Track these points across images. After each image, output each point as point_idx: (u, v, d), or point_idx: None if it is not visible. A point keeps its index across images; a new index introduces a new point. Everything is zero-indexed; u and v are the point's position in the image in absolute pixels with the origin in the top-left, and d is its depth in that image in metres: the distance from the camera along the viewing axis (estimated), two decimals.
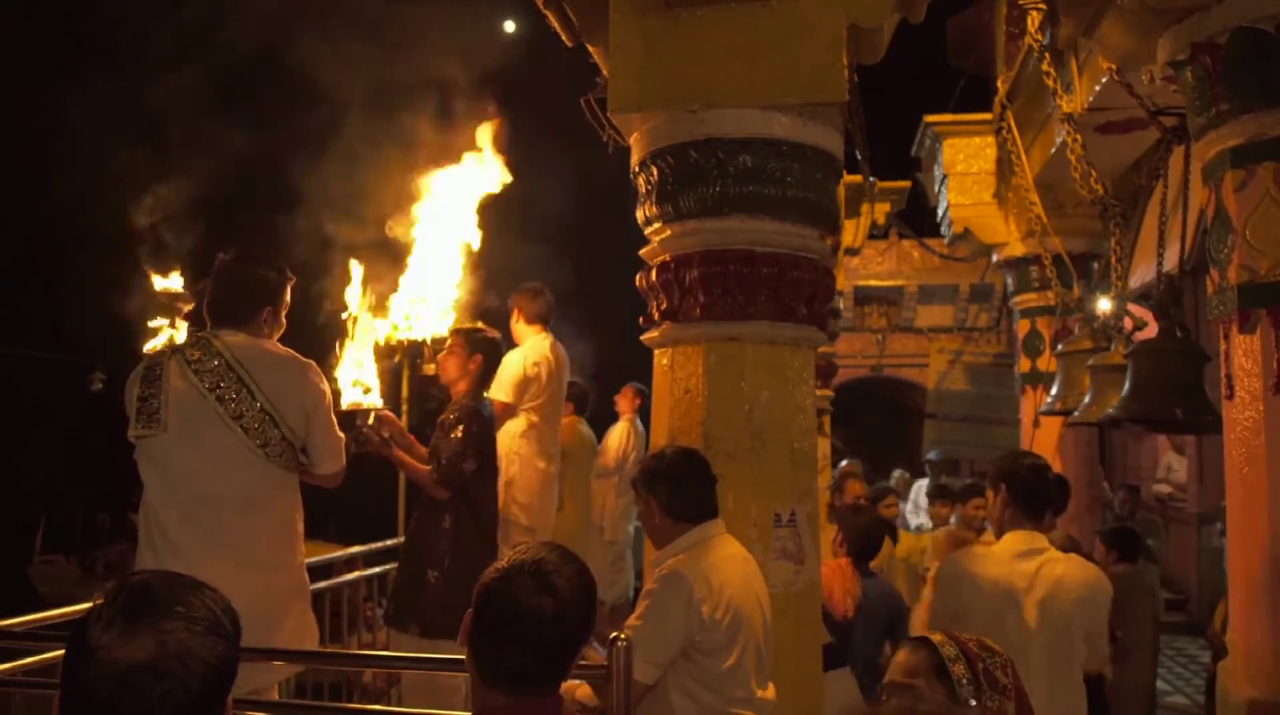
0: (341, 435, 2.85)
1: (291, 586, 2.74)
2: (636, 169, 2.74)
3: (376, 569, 4.70)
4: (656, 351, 2.76)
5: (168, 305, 3.09)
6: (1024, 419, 7.01)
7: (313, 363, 2.77)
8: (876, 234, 9.81)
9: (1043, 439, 6.32)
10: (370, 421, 3.38)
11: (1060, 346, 5.54)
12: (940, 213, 7.28)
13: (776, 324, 2.58)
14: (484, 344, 3.73)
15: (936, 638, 1.55)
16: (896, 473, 10.56)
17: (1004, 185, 6.63)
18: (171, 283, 3.15)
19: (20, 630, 2.74)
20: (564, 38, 2.96)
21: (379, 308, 3.83)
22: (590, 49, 2.98)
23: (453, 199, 4.08)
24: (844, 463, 7.96)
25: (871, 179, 6.88)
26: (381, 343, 3.80)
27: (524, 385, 4.37)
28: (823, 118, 2.60)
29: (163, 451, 2.58)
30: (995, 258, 7.15)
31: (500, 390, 4.24)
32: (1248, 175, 2.79)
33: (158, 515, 2.57)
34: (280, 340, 2.82)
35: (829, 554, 4.09)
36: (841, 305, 8.79)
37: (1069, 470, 6.11)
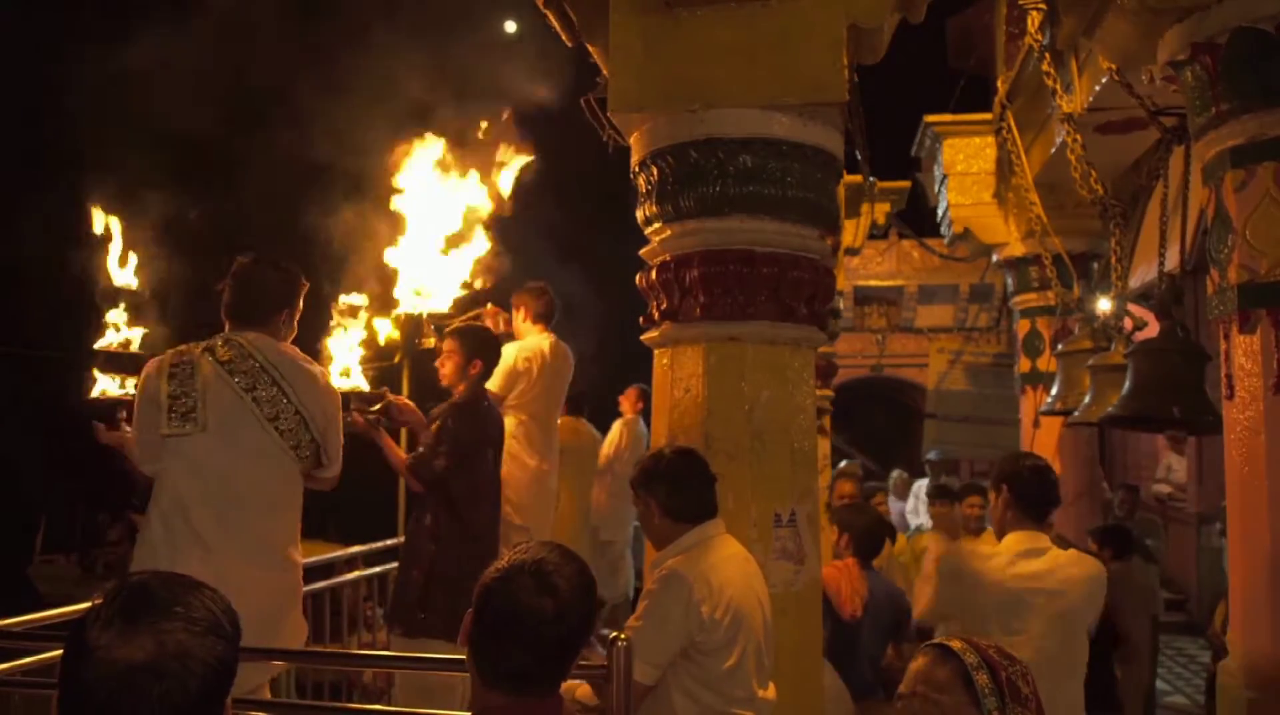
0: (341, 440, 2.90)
1: (295, 585, 2.80)
2: (636, 169, 2.74)
3: (376, 569, 4.70)
4: (656, 351, 2.76)
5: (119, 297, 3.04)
6: (1024, 419, 7.00)
7: (323, 368, 2.86)
8: (876, 234, 9.81)
9: (1043, 439, 6.32)
10: (376, 407, 3.41)
11: (1060, 346, 5.54)
12: (940, 213, 7.28)
13: (777, 324, 2.58)
14: (483, 347, 3.70)
15: (957, 645, 1.51)
16: (895, 473, 10.56)
17: (1004, 185, 6.63)
18: (126, 277, 3.10)
19: (19, 630, 2.74)
20: (564, 38, 2.96)
21: (378, 292, 3.84)
22: (590, 49, 2.98)
23: (461, 175, 4.10)
24: (843, 463, 7.96)
25: (871, 179, 6.88)
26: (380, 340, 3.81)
27: (513, 377, 4.36)
28: (823, 118, 2.60)
29: (200, 451, 2.59)
30: (995, 258, 7.15)
31: (491, 380, 4.25)
32: (1248, 175, 2.79)
33: (188, 513, 2.57)
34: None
35: (830, 555, 4.10)
36: (841, 305, 8.79)
37: (1069, 470, 6.11)
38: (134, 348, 3.10)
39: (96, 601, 1.08)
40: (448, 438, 3.48)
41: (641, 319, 2.80)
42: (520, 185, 4.27)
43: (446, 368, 3.67)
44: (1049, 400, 5.52)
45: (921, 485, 9.12)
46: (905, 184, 8.12)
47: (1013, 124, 5.84)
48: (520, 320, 4.61)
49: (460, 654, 1.55)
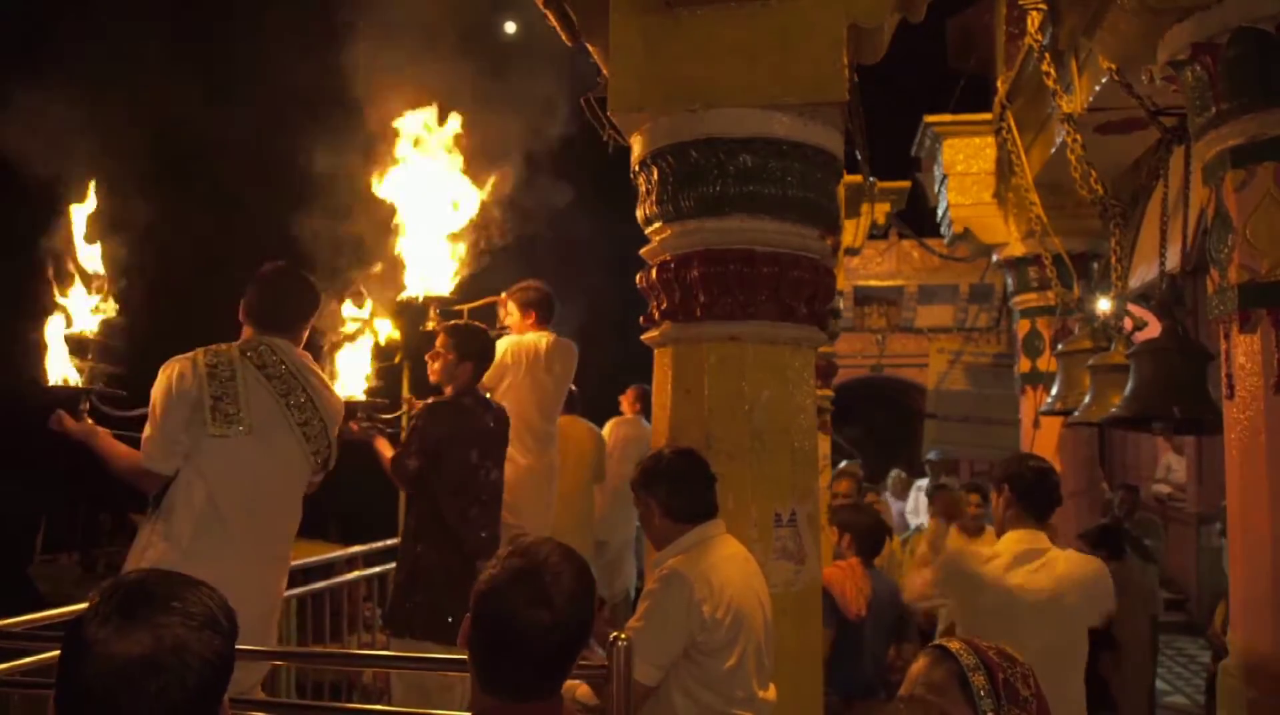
0: None
1: (284, 585, 2.88)
2: (637, 169, 2.74)
3: (376, 569, 4.70)
4: (657, 351, 2.76)
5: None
6: (1024, 419, 7.00)
7: None
8: (876, 234, 9.81)
9: (1043, 439, 6.32)
10: (361, 414, 3.42)
11: (1060, 346, 5.54)
12: (940, 213, 7.28)
13: (777, 324, 2.58)
14: (475, 349, 3.68)
15: (955, 646, 1.50)
16: (894, 472, 10.56)
17: (1004, 185, 6.63)
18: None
19: (19, 630, 2.74)
20: (564, 37, 2.96)
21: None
22: (590, 48, 2.98)
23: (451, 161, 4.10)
24: (844, 463, 7.96)
25: (871, 179, 6.88)
26: (382, 343, 3.80)
27: (500, 371, 4.34)
28: (823, 117, 2.60)
29: (238, 453, 2.61)
30: (995, 258, 7.15)
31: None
32: (1248, 175, 2.79)
33: (223, 516, 2.58)
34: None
35: (829, 555, 4.10)
36: (841, 305, 8.79)
37: (1069, 470, 6.11)
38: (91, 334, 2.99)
39: (93, 598, 1.08)
40: (417, 437, 3.49)
41: (642, 319, 2.79)
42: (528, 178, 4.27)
43: (436, 366, 3.68)
44: (1049, 400, 5.52)
45: (921, 485, 9.12)
46: (905, 184, 8.12)
47: (1013, 124, 5.84)
48: (518, 318, 4.61)
49: (456, 653, 1.54)
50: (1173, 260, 4.61)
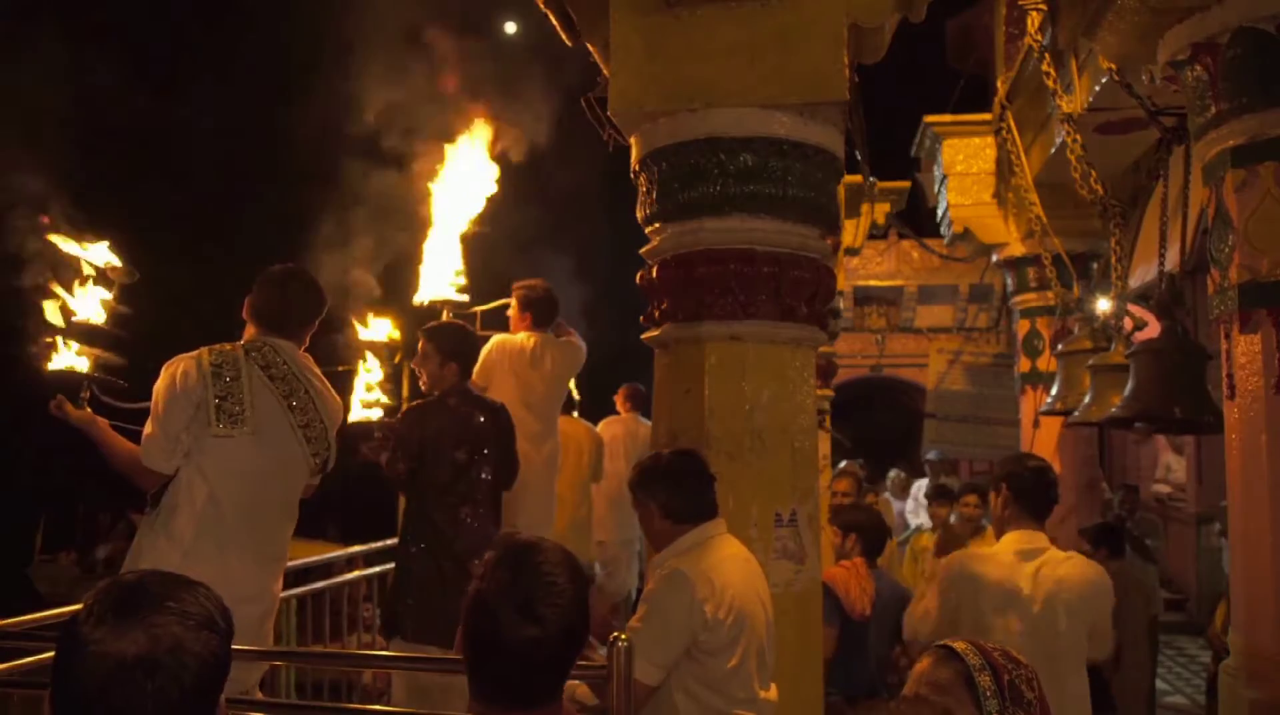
0: None
1: (280, 587, 2.89)
2: (637, 168, 2.74)
3: (376, 569, 4.69)
4: (657, 351, 2.76)
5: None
6: (1024, 419, 7.01)
7: None
8: (876, 234, 9.81)
9: (1043, 439, 6.32)
10: (378, 434, 3.43)
11: (1060, 346, 5.54)
12: (940, 213, 7.28)
13: (777, 323, 2.57)
14: (457, 348, 3.67)
15: (960, 646, 1.49)
16: (893, 472, 10.55)
17: (1004, 185, 6.63)
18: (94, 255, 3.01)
19: (17, 630, 2.74)
20: (564, 37, 2.96)
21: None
22: (590, 48, 2.97)
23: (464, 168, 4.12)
24: (844, 463, 7.96)
25: (871, 179, 6.87)
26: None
27: (485, 371, 4.34)
28: (823, 117, 2.60)
29: (239, 453, 2.61)
30: (995, 258, 7.15)
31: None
32: (1248, 175, 2.79)
33: (223, 515, 2.58)
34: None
35: (829, 554, 4.10)
36: (841, 305, 8.79)
37: (1069, 470, 6.11)
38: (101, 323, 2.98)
39: (89, 598, 1.08)
40: (399, 442, 3.49)
41: (642, 318, 2.79)
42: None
43: (423, 372, 3.67)
44: (1049, 400, 5.52)
45: (921, 485, 9.11)
46: (905, 184, 8.12)
47: (1013, 124, 5.84)
48: (517, 315, 4.60)
49: (454, 653, 1.53)
50: (1172, 260, 4.61)
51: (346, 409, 3.17)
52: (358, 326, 3.64)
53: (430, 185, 4.22)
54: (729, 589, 2.24)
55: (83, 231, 2.86)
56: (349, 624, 4.45)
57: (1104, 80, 4.15)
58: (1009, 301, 7.31)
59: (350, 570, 4.60)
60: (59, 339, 2.79)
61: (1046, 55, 4.58)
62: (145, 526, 2.65)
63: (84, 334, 2.80)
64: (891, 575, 4.85)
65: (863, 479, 6.83)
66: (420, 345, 3.67)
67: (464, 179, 4.21)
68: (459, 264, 4.20)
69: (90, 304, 2.84)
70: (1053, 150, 5.28)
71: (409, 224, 4.14)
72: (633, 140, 2.76)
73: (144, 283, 2.93)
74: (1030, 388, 6.74)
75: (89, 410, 2.72)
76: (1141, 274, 5.83)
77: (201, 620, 1.07)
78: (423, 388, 3.71)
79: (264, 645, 2.67)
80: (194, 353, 2.66)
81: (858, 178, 6.51)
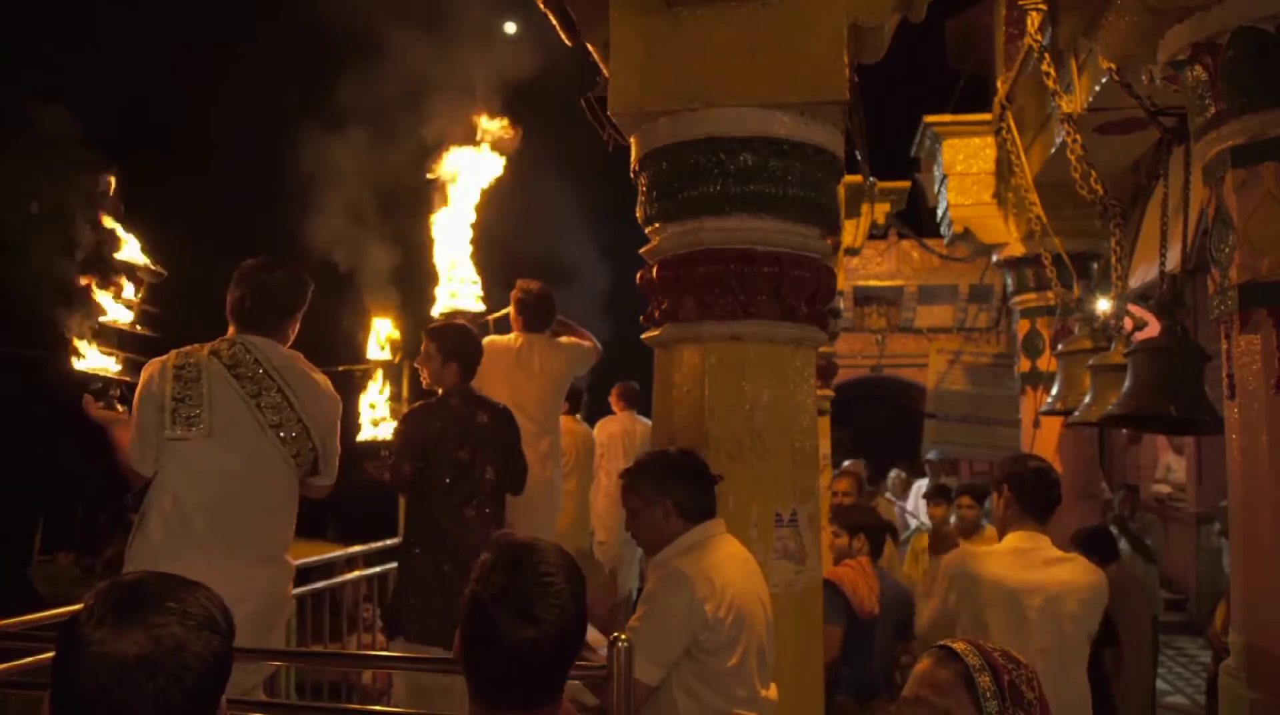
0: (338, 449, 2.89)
1: (287, 589, 2.81)
2: (637, 168, 2.74)
3: (376, 569, 4.70)
4: (657, 351, 2.76)
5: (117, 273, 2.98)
6: (1024, 419, 7.00)
7: (326, 377, 2.82)
8: (876, 234, 9.80)
9: (1043, 439, 6.32)
10: (385, 452, 3.43)
11: (1060, 346, 5.54)
12: (940, 213, 7.28)
13: (777, 323, 2.57)
14: (457, 347, 3.67)
15: (960, 647, 1.49)
16: (893, 472, 10.55)
17: (1004, 185, 6.63)
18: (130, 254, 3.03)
19: (16, 630, 2.74)
20: (564, 37, 2.96)
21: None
22: (590, 48, 2.97)
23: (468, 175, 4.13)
24: (847, 463, 7.95)
25: (871, 179, 6.87)
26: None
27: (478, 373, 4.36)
28: (823, 116, 2.60)
29: (200, 455, 2.57)
30: (995, 258, 7.15)
31: None
32: (1249, 175, 2.78)
33: (187, 518, 2.55)
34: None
35: (829, 554, 4.10)
36: (841, 305, 8.78)
37: (1069, 470, 6.10)
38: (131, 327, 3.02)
39: (89, 599, 1.07)
40: (404, 443, 3.50)
41: (642, 318, 2.79)
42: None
43: (425, 371, 3.68)
44: (1049, 400, 5.52)
45: (921, 485, 9.11)
46: (905, 184, 8.11)
47: (1012, 124, 5.84)
48: (513, 316, 4.61)
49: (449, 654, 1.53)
50: (1173, 260, 4.61)
51: (356, 428, 3.15)
52: (367, 344, 3.65)
53: (444, 192, 4.22)
54: (729, 588, 2.24)
55: (115, 230, 2.88)
56: (349, 624, 4.45)
57: (1104, 80, 4.15)
58: (1009, 301, 7.31)
59: (350, 570, 4.59)
60: (85, 340, 2.82)
61: (1046, 55, 4.58)
62: (133, 528, 2.67)
63: (112, 335, 2.84)
64: (892, 575, 4.85)
65: (863, 479, 6.83)
66: (423, 345, 3.69)
67: (475, 182, 4.22)
68: (474, 274, 4.21)
69: (119, 305, 2.87)
70: (1053, 150, 5.28)
71: (422, 229, 4.14)
72: (633, 140, 2.76)
73: (175, 282, 2.94)
74: (1030, 388, 6.74)
75: (120, 409, 2.76)
76: (1141, 274, 5.83)
77: (202, 621, 1.07)
78: (426, 386, 3.72)
79: (263, 646, 2.65)
80: (166, 355, 2.66)
81: (858, 178, 6.51)
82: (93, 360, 2.86)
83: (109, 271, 2.87)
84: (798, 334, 2.63)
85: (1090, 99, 4.52)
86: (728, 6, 2.53)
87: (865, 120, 5.00)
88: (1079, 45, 4.49)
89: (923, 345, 13.51)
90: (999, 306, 12.03)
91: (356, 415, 3.39)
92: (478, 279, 4.23)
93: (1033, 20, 4.67)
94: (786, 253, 2.57)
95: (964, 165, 6.78)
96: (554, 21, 2.89)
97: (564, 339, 4.61)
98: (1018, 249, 6.66)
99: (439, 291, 4.14)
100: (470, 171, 4.24)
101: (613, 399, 6.67)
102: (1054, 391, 5.43)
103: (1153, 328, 4.42)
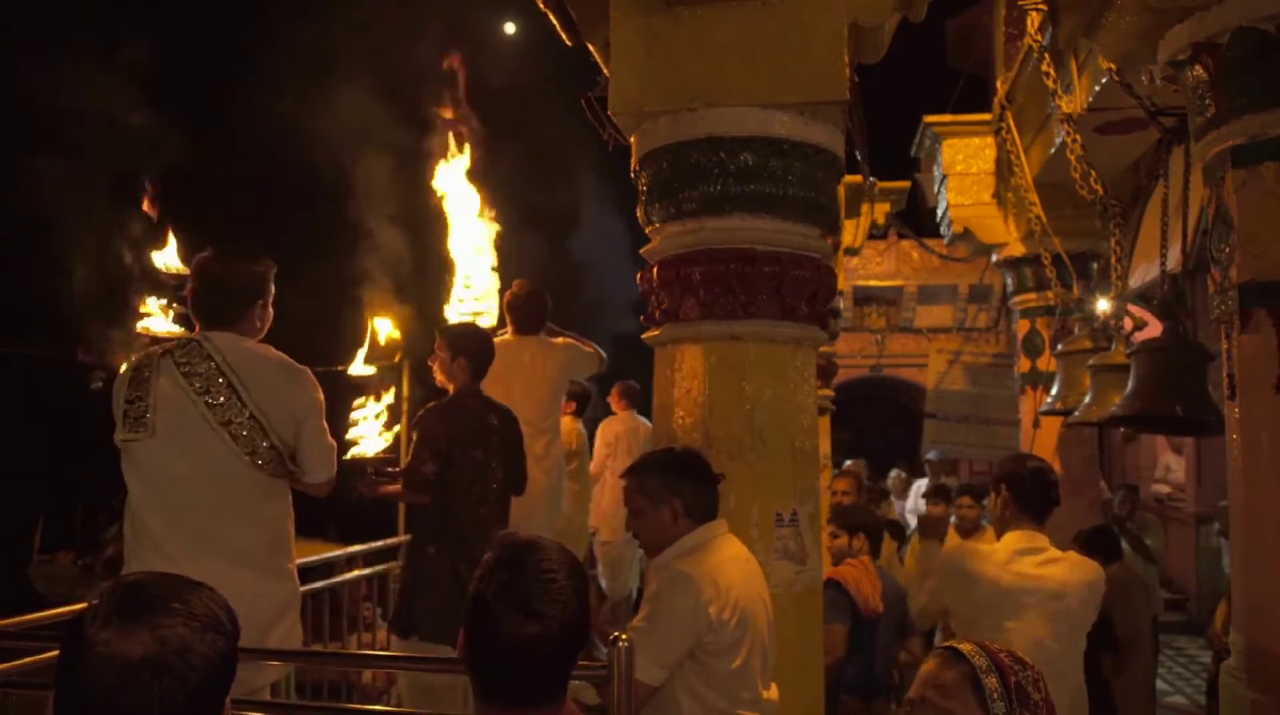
0: (333, 443, 2.77)
1: (284, 595, 2.68)
2: (637, 168, 2.74)
3: (376, 568, 4.69)
4: (657, 350, 2.76)
5: (165, 286, 2.97)
6: (1024, 419, 7.00)
7: (306, 369, 2.67)
8: (876, 234, 9.80)
9: (1043, 439, 6.32)
10: (371, 471, 3.40)
11: (1060, 346, 5.54)
12: (940, 213, 7.28)
13: (778, 323, 2.57)
14: (466, 344, 3.68)
15: (967, 648, 1.49)
16: (894, 472, 10.55)
17: (1003, 185, 6.63)
18: (169, 259, 3.02)
19: (16, 630, 2.73)
20: (564, 37, 2.96)
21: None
22: (590, 48, 2.98)
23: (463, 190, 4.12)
24: (848, 463, 7.96)
25: (871, 179, 6.87)
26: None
27: None
28: (824, 116, 2.60)
29: (149, 456, 2.51)
30: (995, 258, 7.15)
31: None
32: (1249, 175, 2.78)
33: (144, 522, 2.51)
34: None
35: (832, 556, 4.10)
36: (841, 305, 8.78)
37: (1069, 470, 6.10)
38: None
39: (93, 600, 1.07)
40: (425, 443, 3.48)
41: (642, 318, 2.79)
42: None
43: (436, 367, 3.69)
44: (1049, 400, 5.52)
45: (921, 485, 9.11)
46: (905, 184, 8.11)
47: (1012, 124, 5.84)
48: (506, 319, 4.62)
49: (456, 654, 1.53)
50: (1173, 260, 4.61)
51: (344, 446, 3.09)
52: (353, 363, 3.62)
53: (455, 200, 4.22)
54: (733, 590, 2.23)
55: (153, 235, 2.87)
56: (349, 624, 4.45)
57: (1104, 80, 4.15)
58: (1009, 301, 7.31)
59: (350, 570, 4.59)
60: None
61: (1046, 55, 4.58)
62: None
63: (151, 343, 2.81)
64: (892, 575, 4.85)
65: (864, 479, 6.83)
66: (436, 343, 3.71)
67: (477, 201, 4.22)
68: (489, 282, 4.22)
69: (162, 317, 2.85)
70: (1052, 150, 5.28)
71: (433, 233, 4.14)
72: (633, 140, 2.76)
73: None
74: (1030, 388, 6.73)
75: None
76: (1141, 274, 5.83)
77: (207, 622, 1.07)
78: (438, 382, 3.72)
79: (261, 645, 2.61)
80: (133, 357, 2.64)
81: (858, 178, 6.51)
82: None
83: (154, 281, 2.86)
84: (798, 334, 2.63)
85: (1090, 99, 4.51)
86: (728, 6, 2.53)
87: (865, 120, 5.01)
88: (1079, 45, 4.49)
89: (922, 345, 13.51)
90: (999, 306, 12.03)
91: (345, 429, 3.35)
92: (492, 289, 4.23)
93: (1033, 20, 4.67)
94: (787, 252, 2.57)
95: (964, 165, 6.78)
96: (554, 21, 2.90)
97: (559, 340, 4.60)
98: (1017, 249, 6.66)
99: (452, 292, 4.13)
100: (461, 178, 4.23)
101: (614, 398, 6.66)
102: (1054, 391, 5.43)
103: (1152, 328, 4.42)
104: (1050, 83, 4.57)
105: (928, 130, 7.09)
